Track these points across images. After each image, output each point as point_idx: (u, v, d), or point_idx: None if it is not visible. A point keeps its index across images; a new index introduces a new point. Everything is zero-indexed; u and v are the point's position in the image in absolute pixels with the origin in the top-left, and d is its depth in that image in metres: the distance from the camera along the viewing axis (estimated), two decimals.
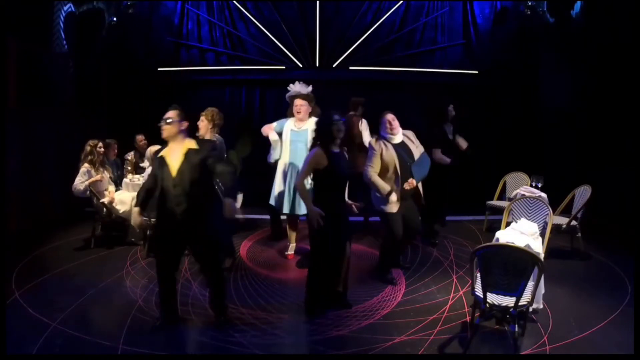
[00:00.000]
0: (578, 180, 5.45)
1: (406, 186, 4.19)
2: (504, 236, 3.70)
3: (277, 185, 5.10)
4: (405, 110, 6.49)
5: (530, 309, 3.42)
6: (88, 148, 5.51)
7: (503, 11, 8.16)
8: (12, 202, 5.81)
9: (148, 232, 5.08)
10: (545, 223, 4.08)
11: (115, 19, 7.76)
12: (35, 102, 6.38)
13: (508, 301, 3.07)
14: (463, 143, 6.04)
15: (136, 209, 3.57)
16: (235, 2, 8.12)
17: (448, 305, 3.98)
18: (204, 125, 4.85)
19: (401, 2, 8.12)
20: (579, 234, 5.10)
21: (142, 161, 6.46)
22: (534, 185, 4.63)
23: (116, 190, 5.71)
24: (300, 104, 4.94)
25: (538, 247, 3.58)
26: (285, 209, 5.01)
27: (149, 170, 4.92)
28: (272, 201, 5.18)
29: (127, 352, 3.24)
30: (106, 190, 5.57)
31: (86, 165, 5.45)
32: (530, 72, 8.09)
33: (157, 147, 3.74)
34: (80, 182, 5.34)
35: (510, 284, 3.00)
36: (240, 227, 6.42)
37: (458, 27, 8.28)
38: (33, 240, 5.73)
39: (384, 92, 7.90)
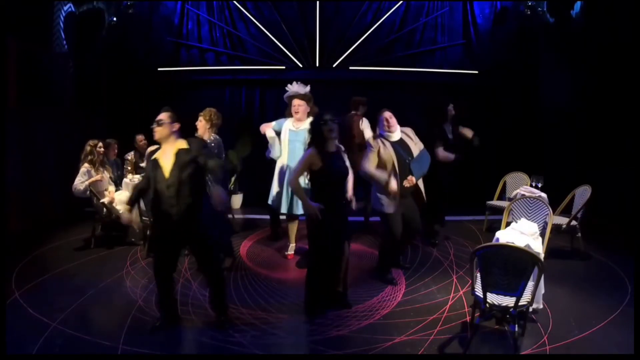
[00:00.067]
0: (578, 180, 5.44)
1: (406, 184, 4.18)
2: (504, 236, 3.69)
3: (275, 186, 5.10)
4: (405, 110, 6.51)
5: (530, 309, 3.42)
6: (88, 148, 5.52)
7: (503, 11, 8.16)
8: (12, 202, 5.82)
9: (148, 232, 5.08)
10: (545, 223, 4.07)
11: (115, 19, 7.77)
12: (35, 102, 6.39)
13: (508, 301, 3.07)
14: (468, 132, 6.00)
15: (126, 207, 3.60)
16: (235, 2, 8.12)
17: (448, 305, 3.98)
18: (202, 125, 4.85)
19: (401, 2, 8.12)
20: (579, 234, 5.10)
21: (142, 161, 6.43)
22: (534, 185, 4.62)
23: (116, 190, 5.71)
24: (298, 104, 4.92)
25: (538, 247, 3.58)
26: (283, 208, 5.00)
27: None
28: (270, 201, 5.18)
29: (127, 352, 3.24)
30: (106, 190, 5.57)
31: (86, 165, 5.45)
32: (530, 72, 8.09)
33: (156, 147, 3.74)
34: (80, 182, 5.34)
35: (510, 284, 3.00)
36: (239, 227, 6.44)
37: (458, 27, 8.29)
38: (33, 240, 5.73)
39: (384, 92, 7.89)
